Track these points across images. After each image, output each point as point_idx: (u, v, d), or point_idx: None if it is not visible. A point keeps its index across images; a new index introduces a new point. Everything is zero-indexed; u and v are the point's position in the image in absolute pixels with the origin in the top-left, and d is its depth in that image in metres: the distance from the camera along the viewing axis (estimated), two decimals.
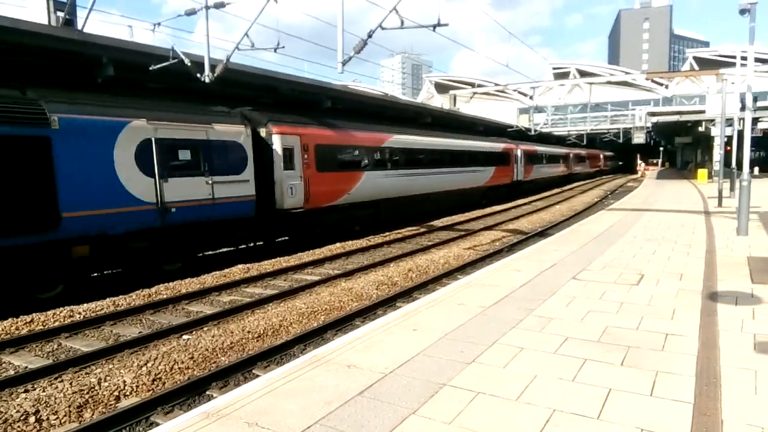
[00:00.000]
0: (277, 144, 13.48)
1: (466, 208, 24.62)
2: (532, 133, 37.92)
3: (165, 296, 9.61)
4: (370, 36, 11.02)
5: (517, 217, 21.50)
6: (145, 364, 6.35)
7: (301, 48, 16.64)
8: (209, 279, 10.97)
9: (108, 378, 5.97)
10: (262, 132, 13.44)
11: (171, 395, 5.50)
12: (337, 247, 14.44)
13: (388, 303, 8.91)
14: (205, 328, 7.81)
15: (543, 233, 16.33)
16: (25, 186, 8.75)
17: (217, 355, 6.79)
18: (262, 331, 7.56)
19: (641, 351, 4.72)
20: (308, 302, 8.97)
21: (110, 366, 6.38)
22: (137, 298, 9.57)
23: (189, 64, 11.38)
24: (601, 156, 64.59)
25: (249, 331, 7.52)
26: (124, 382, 5.90)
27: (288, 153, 13.80)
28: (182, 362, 6.46)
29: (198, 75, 11.50)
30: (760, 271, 7.74)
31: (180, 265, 11.73)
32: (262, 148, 13.34)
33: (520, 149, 32.69)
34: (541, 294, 6.81)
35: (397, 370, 4.47)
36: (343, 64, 11.06)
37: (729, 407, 3.64)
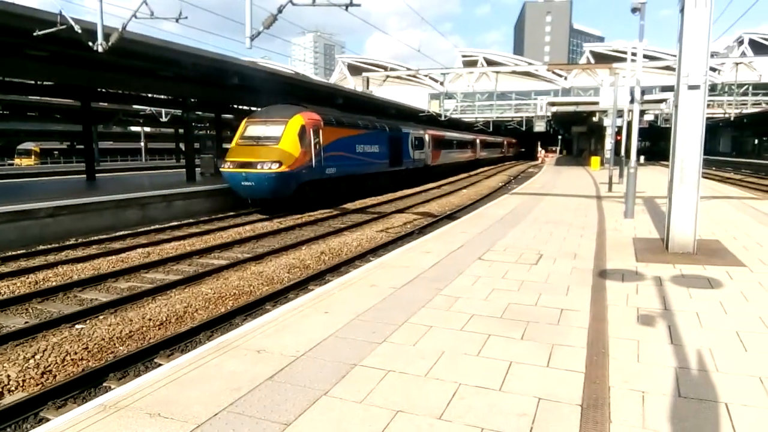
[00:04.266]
0: (427, 138, 31.42)
1: (461, 171, 41.92)
2: (443, 118, 39.24)
3: (54, 283, 8.88)
4: (280, 11, 10.68)
5: (428, 201, 22.05)
6: (33, 357, 5.84)
7: (205, 20, 16.16)
8: (104, 264, 10.28)
9: None
10: (422, 132, 30.96)
11: (63, 389, 5.11)
12: (246, 230, 14.06)
13: (300, 286, 8.81)
14: (101, 317, 7.31)
15: (451, 216, 16.87)
16: (401, 150, 27.11)
17: (114, 344, 6.39)
18: (164, 319, 7.20)
19: (539, 325, 5.02)
20: (215, 287, 8.67)
21: None
22: (22, 285, 8.77)
23: (80, 31, 10.44)
24: (519, 143, 79.47)
25: (150, 319, 7.14)
26: (9, 376, 5.40)
27: (429, 141, 31.67)
28: (75, 353, 6.02)
29: (90, 44, 10.59)
30: (643, 250, 8.48)
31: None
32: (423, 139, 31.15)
33: (479, 138, 49.56)
34: (450, 274, 7.04)
35: (308, 352, 4.44)
36: (252, 39, 10.65)
37: (615, 374, 3.97)
